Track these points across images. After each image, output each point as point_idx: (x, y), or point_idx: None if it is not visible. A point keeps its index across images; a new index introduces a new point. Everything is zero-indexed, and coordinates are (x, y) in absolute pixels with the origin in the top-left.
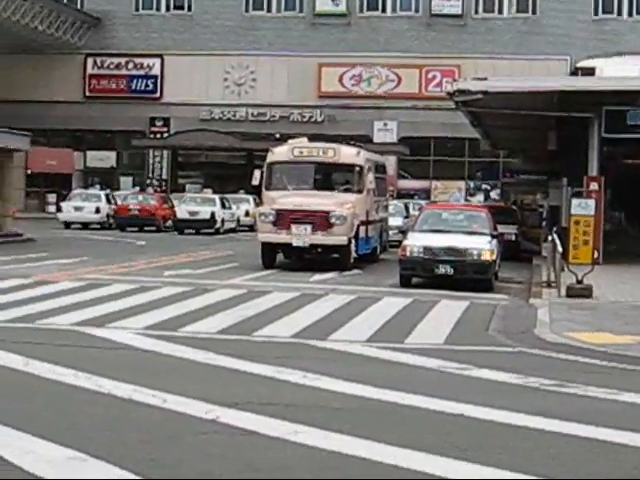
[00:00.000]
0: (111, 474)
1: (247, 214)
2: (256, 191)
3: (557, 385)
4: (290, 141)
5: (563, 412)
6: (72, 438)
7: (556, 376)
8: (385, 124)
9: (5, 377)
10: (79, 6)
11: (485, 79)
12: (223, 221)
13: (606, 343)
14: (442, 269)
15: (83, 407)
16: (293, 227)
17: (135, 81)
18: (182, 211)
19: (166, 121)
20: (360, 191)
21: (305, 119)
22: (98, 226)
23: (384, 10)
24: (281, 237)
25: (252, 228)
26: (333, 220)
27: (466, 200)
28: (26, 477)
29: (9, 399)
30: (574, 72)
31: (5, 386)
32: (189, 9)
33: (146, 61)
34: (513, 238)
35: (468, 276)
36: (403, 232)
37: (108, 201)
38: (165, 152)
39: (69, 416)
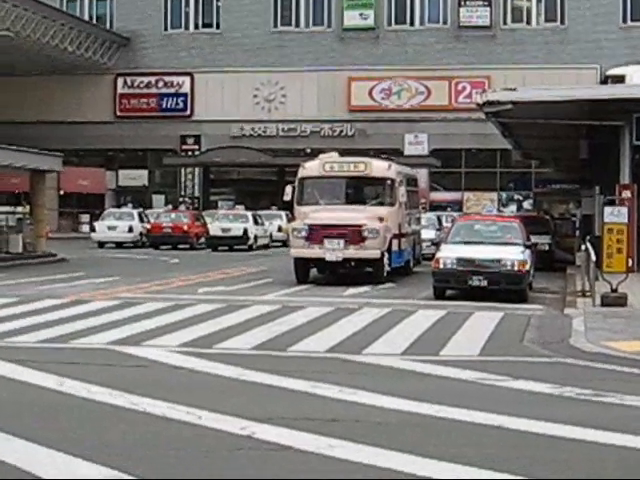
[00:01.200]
0: None
1: (280, 230)
2: (288, 207)
3: (594, 395)
4: (321, 156)
5: (600, 422)
6: (108, 457)
7: (593, 385)
8: (416, 136)
9: (41, 397)
10: (108, 26)
11: (514, 89)
12: (256, 237)
13: None
14: (476, 281)
15: (118, 425)
16: (326, 242)
17: (165, 99)
18: (215, 228)
19: (197, 139)
20: (392, 204)
21: (336, 133)
22: (131, 245)
23: (412, 23)
24: (314, 252)
25: (285, 244)
26: (366, 234)
27: (499, 211)
28: None
29: (45, 419)
30: (604, 80)
31: (41, 406)
32: (217, 27)
33: (176, 79)
34: (546, 248)
35: (502, 287)
36: (436, 244)
37: (141, 219)
38: (197, 169)
39: (105, 435)
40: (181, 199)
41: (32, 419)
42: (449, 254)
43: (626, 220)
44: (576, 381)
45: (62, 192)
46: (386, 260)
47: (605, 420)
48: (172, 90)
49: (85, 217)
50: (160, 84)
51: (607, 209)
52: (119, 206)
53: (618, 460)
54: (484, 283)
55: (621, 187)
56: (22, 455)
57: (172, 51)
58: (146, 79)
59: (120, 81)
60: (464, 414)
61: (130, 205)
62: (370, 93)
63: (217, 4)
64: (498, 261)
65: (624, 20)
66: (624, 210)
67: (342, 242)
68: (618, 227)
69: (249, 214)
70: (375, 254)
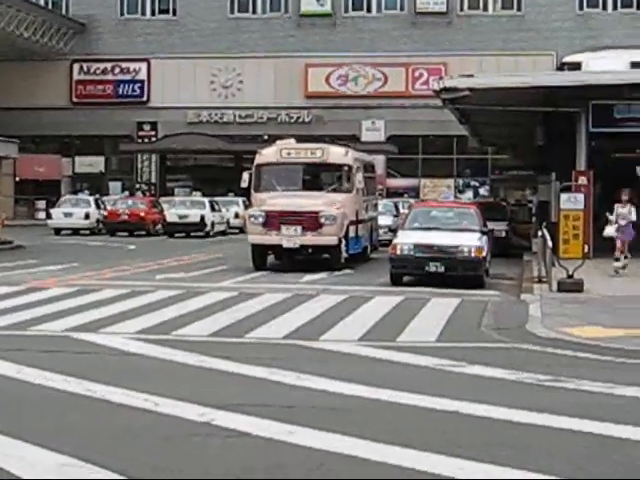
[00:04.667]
0: (105, 478)
1: (237, 216)
2: (245, 193)
3: (551, 380)
4: (278, 142)
5: (558, 407)
6: (65, 444)
7: (550, 371)
8: (373, 123)
9: None
10: (64, 12)
11: (472, 76)
12: (213, 224)
13: (598, 337)
14: (433, 267)
15: (75, 412)
16: (283, 228)
17: (122, 86)
18: (172, 215)
19: (154, 125)
20: (349, 191)
21: (292, 120)
22: (88, 232)
23: (369, 10)
24: (271, 238)
25: (242, 230)
26: (323, 220)
27: (455, 197)
28: None
29: (1, 406)
30: (560, 67)
31: None
32: (174, 13)
33: (132, 66)
34: (503, 234)
35: (459, 273)
36: (393, 231)
37: (97, 206)
38: (153, 156)
39: (61, 422)
40: (138, 186)
41: None
42: (406, 240)
43: (582, 206)
44: (533, 367)
45: (18, 179)
46: (343, 247)
47: (562, 405)
48: (128, 76)
49: (41, 204)
50: (116, 70)
51: (563, 195)
52: (75, 193)
53: (577, 445)
54: (441, 269)
55: (577, 173)
56: None
57: (128, 37)
58: (102, 65)
59: (76, 67)
60: (421, 399)
61: (86, 192)
62: (327, 80)
63: None
64: (455, 247)
65: (580, 7)
66: (580, 196)
67: (299, 229)
68: (574, 213)
69: (206, 201)
70: (332, 240)
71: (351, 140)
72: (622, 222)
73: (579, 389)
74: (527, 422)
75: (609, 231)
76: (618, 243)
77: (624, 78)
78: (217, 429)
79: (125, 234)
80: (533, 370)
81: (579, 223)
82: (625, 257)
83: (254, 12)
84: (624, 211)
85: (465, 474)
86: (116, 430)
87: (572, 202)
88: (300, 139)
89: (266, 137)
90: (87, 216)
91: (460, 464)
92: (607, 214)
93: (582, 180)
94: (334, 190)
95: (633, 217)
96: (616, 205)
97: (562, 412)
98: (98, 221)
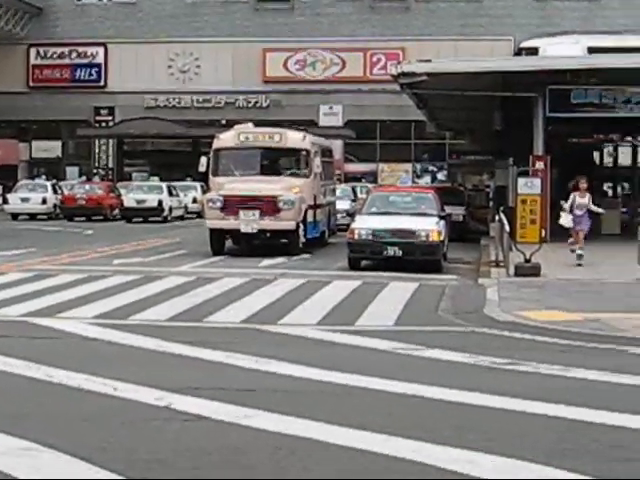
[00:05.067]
0: (66, 463)
1: (195, 201)
2: (203, 178)
3: (509, 363)
4: (236, 127)
5: (516, 390)
6: (25, 429)
7: (507, 354)
8: (331, 108)
9: None
10: None
11: (429, 61)
12: (171, 209)
13: (555, 320)
14: (390, 251)
15: (35, 397)
16: (241, 213)
17: (79, 70)
18: (129, 200)
19: (111, 110)
20: (307, 175)
21: (250, 105)
22: (45, 217)
23: None
24: (229, 223)
25: (200, 215)
26: (281, 205)
27: (413, 182)
28: None
29: None
30: (518, 52)
31: None
32: None
33: (89, 50)
34: (461, 219)
35: (417, 257)
36: (351, 215)
37: (55, 191)
38: (111, 141)
39: (21, 407)
40: (95, 171)
41: None
42: (364, 225)
43: (539, 191)
44: (490, 350)
45: None
46: (301, 231)
47: (521, 388)
48: (85, 61)
49: None
50: (73, 55)
51: (520, 180)
52: (32, 178)
53: (544, 429)
54: (399, 253)
55: (534, 158)
56: None
57: (85, 22)
58: (59, 50)
59: (33, 52)
60: (379, 383)
61: (44, 177)
62: (285, 64)
63: None
64: (413, 232)
65: None
66: (537, 181)
67: (257, 213)
68: (531, 198)
69: (164, 185)
70: (290, 225)
71: (309, 125)
72: (579, 212)
73: (537, 372)
74: (487, 405)
75: (565, 221)
76: (575, 234)
77: (581, 63)
78: (175, 413)
79: (83, 219)
80: (491, 354)
81: (536, 207)
82: (580, 248)
83: None
84: (583, 201)
85: (425, 457)
86: (76, 415)
87: (529, 187)
88: (258, 124)
89: (224, 122)
90: (44, 201)
91: (419, 447)
92: (561, 202)
93: (539, 165)
94: (292, 175)
95: (592, 208)
96: (574, 194)
97: (522, 395)
98: (55, 206)
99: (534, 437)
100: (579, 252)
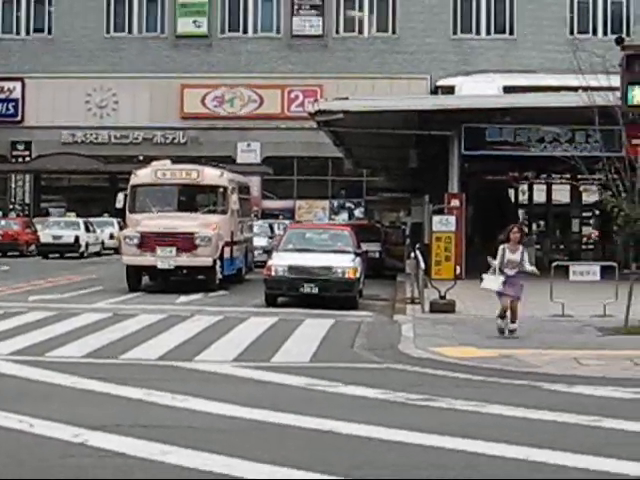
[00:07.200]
0: None
1: (111, 237)
2: (120, 214)
3: (423, 399)
4: (153, 163)
5: (430, 426)
6: None
7: (422, 390)
8: (248, 145)
9: None
10: None
11: (346, 99)
12: (87, 245)
13: (469, 356)
14: (307, 288)
15: None
16: (158, 249)
17: None
18: (45, 235)
19: (28, 145)
20: (224, 212)
21: (168, 141)
22: None
23: (245, 31)
24: (146, 259)
25: (117, 251)
26: (198, 242)
27: (330, 219)
28: None
29: None
30: (434, 90)
31: None
32: (49, 32)
33: (6, 85)
34: (377, 255)
35: (333, 294)
36: (268, 252)
37: None
38: (27, 176)
39: None
40: (11, 206)
41: None
42: (281, 262)
43: (454, 228)
44: (405, 386)
45: None
46: (218, 268)
47: (436, 424)
48: (2, 95)
49: None
50: None
51: (435, 218)
52: None
53: (450, 463)
54: (315, 290)
55: (450, 196)
56: None
57: (3, 56)
58: None
59: None
60: (294, 419)
61: None
62: (203, 101)
63: (49, 9)
64: (329, 269)
65: (454, 32)
66: (452, 219)
67: (174, 250)
68: (446, 235)
69: (80, 221)
70: (207, 262)
71: (227, 161)
72: (510, 272)
73: (451, 408)
74: (397, 440)
75: (493, 284)
76: (504, 301)
77: (496, 102)
78: (92, 450)
79: None
80: (406, 390)
81: (451, 245)
82: (512, 321)
83: (130, 32)
84: (515, 257)
85: None
86: None
87: (444, 224)
88: (176, 160)
89: (141, 158)
90: None
91: None
92: (488, 258)
93: (454, 202)
94: (209, 211)
95: (527, 267)
96: (503, 247)
97: (433, 430)
98: None
99: (441, 471)
100: (511, 327)
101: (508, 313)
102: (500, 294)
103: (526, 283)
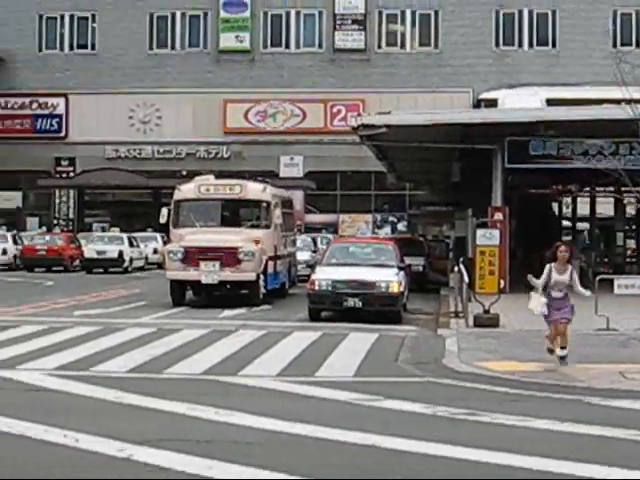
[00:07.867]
0: None
1: (155, 252)
2: (164, 229)
3: (467, 414)
4: (197, 178)
5: (473, 440)
6: None
7: (465, 405)
8: (291, 159)
9: None
10: None
11: (389, 113)
12: (131, 259)
13: (513, 371)
14: (351, 302)
15: None
16: (202, 264)
17: (40, 121)
18: (90, 250)
19: (72, 160)
20: (267, 226)
21: (211, 156)
22: (5, 267)
23: (288, 46)
24: (190, 274)
25: (160, 266)
26: (241, 256)
27: (373, 233)
28: None
29: None
30: (477, 104)
31: None
32: (93, 48)
33: (50, 100)
34: (421, 269)
35: (376, 308)
36: (311, 266)
37: (15, 242)
38: (71, 192)
39: None
40: (55, 221)
41: None
42: (324, 276)
43: (498, 242)
44: (449, 401)
45: None
46: (262, 282)
47: (478, 439)
48: (46, 111)
49: None
50: (34, 105)
51: (479, 231)
52: None
53: (496, 478)
54: (359, 304)
55: (493, 209)
56: None
57: (47, 72)
58: (20, 100)
59: None
60: (338, 434)
61: (4, 227)
62: (246, 115)
63: (92, 25)
64: (372, 283)
65: (497, 45)
66: (496, 232)
67: (218, 264)
68: (490, 249)
69: (124, 236)
70: (251, 276)
71: (269, 176)
72: (558, 294)
73: (494, 422)
74: (443, 455)
75: (536, 305)
76: (551, 327)
77: (539, 115)
78: (136, 464)
79: (43, 270)
80: (450, 404)
81: (495, 259)
82: (562, 346)
83: (173, 48)
84: (563, 278)
85: None
86: (37, 466)
87: (488, 238)
88: (219, 175)
89: (184, 173)
90: (4, 252)
91: None
92: (529, 277)
93: (498, 216)
94: (252, 226)
95: (579, 289)
96: (550, 266)
97: (476, 445)
98: (15, 257)
99: None
100: (561, 353)
101: (558, 338)
102: (545, 317)
103: (571, 298)
